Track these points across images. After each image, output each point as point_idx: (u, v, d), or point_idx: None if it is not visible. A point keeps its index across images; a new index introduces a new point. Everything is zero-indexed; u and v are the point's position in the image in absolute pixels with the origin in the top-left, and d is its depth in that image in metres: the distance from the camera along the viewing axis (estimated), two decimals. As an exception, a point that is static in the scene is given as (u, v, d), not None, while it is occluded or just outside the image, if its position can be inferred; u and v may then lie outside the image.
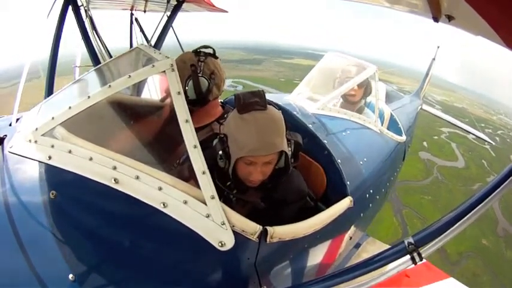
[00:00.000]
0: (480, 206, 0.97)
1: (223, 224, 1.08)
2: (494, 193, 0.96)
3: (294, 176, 1.44)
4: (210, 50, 1.70)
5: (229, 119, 1.31)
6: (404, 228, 14.59)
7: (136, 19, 3.49)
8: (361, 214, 2.09)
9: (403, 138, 3.06)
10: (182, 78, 1.60)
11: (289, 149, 1.33)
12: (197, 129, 1.17)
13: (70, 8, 2.56)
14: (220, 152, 1.28)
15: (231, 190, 1.36)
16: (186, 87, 1.62)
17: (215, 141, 1.31)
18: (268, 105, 1.27)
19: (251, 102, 1.24)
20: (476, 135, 8.84)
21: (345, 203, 1.68)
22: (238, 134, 1.25)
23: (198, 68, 1.63)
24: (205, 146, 1.22)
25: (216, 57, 1.72)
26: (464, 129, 8.40)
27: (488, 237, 15.53)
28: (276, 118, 1.27)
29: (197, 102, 1.67)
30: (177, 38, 3.53)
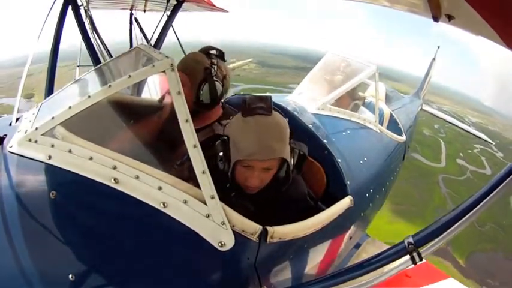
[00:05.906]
0: (478, 206, 0.97)
1: (223, 223, 1.08)
2: (492, 194, 0.96)
3: (294, 179, 1.41)
4: (213, 52, 1.65)
5: (232, 121, 1.30)
6: (448, 200, 22.04)
7: (136, 19, 3.50)
8: (361, 214, 2.10)
9: (403, 138, 3.07)
10: (196, 79, 1.58)
11: (292, 158, 1.29)
12: (198, 130, 1.16)
13: (70, 8, 2.55)
14: (221, 154, 1.26)
15: (230, 192, 1.34)
16: (201, 91, 1.58)
17: (217, 142, 1.28)
18: (274, 112, 1.26)
19: (256, 106, 1.23)
20: (476, 135, 8.90)
21: (345, 203, 1.68)
22: (238, 136, 1.24)
23: (212, 71, 1.59)
24: (206, 146, 1.22)
25: (225, 60, 1.69)
26: (464, 129, 8.49)
27: (506, 219, 20.40)
28: (279, 124, 1.25)
29: (206, 106, 1.64)
30: (178, 38, 3.54)
